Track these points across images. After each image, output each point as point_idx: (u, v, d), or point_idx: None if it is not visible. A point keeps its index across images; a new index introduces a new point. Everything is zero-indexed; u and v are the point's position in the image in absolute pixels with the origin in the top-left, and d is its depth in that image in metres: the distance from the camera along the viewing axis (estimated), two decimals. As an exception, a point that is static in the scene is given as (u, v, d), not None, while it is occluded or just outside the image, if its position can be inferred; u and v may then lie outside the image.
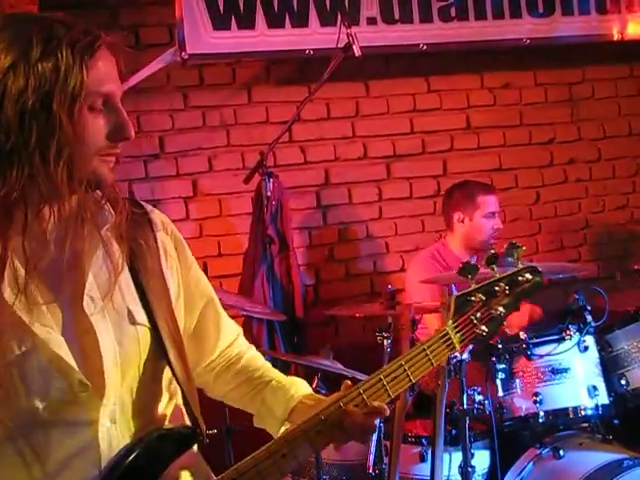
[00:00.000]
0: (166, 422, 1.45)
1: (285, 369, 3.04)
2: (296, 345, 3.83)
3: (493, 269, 1.64)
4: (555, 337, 3.17)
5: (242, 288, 3.83)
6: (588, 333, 3.20)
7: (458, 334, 1.58)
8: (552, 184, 4.74)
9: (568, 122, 4.77)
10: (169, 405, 1.47)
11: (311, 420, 1.44)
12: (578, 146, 4.79)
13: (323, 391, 3.08)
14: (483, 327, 1.60)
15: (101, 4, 3.91)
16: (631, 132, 4.87)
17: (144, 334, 1.40)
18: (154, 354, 1.41)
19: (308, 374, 3.12)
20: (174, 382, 1.45)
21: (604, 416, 3.20)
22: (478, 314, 1.61)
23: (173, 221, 1.57)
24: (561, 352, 3.14)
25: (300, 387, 1.61)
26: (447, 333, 1.57)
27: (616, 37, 4.64)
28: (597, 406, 3.13)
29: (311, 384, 3.09)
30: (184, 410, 1.46)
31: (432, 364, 1.54)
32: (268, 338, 3.72)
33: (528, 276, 1.65)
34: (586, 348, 3.19)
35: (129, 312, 1.39)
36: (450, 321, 1.58)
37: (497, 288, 1.63)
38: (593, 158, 4.82)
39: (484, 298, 1.61)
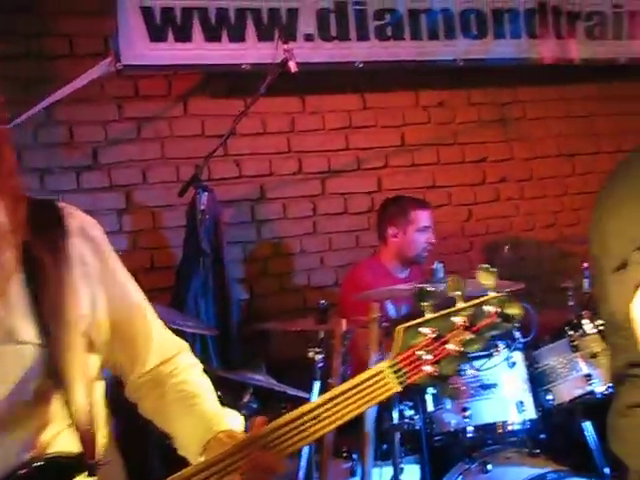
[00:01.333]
0: (51, 449, 1.31)
1: (217, 384, 3.02)
2: (229, 359, 3.80)
3: (459, 296, 1.38)
4: (484, 353, 3.21)
5: (175, 302, 3.79)
6: (516, 349, 3.25)
7: (398, 372, 1.35)
8: (484, 202, 4.83)
9: (500, 141, 4.87)
10: (60, 429, 1.33)
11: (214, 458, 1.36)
12: (510, 165, 4.89)
13: (255, 405, 3.07)
14: (432, 367, 1.35)
15: (35, 11, 3.85)
16: (560, 153, 4.99)
17: (30, 353, 1.28)
18: (43, 374, 1.29)
19: (240, 389, 3.10)
20: (72, 404, 1.32)
21: (531, 431, 3.26)
22: (426, 350, 1.35)
23: (105, 233, 1.49)
24: (490, 368, 3.19)
25: (221, 421, 1.50)
26: (380, 372, 1.35)
27: (546, 60, 4.77)
28: (525, 421, 3.19)
29: (243, 398, 3.10)
30: (80, 434, 1.32)
31: (360, 406, 1.34)
32: (201, 352, 3.69)
33: (498, 309, 1.36)
34: (514, 364, 3.24)
35: (11, 329, 1.28)
36: (386, 363, 1.36)
37: (456, 320, 1.36)
38: (524, 177, 4.93)
39: (438, 332, 1.36)
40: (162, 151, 4.15)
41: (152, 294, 1.63)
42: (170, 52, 3.94)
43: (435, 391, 3.12)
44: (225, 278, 3.86)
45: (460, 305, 1.37)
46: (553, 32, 4.81)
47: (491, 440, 3.28)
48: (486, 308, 1.35)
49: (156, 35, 3.90)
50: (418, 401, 3.13)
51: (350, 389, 1.35)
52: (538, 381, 3.37)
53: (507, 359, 3.21)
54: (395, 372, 1.35)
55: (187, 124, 4.19)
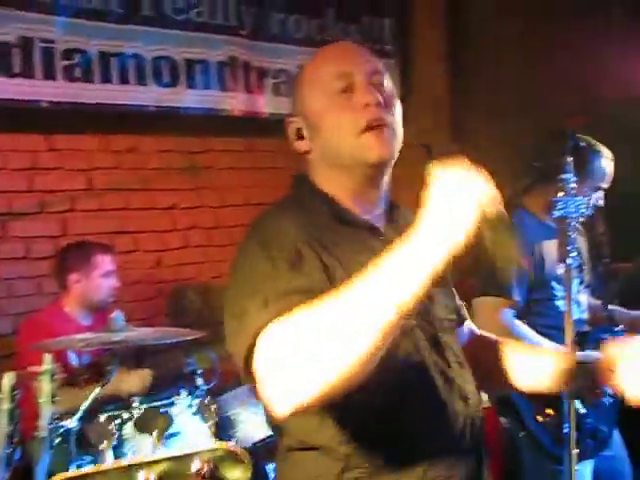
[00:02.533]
0: None
1: None
2: None
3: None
4: (166, 402, 3.20)
5: None
6: (198, 396, 3.28)
7: None
8: (173, 249, 4.84)
9: (190, 189, 4.93)
10: None
11: None
12: (199, 213, 4.96)
13: None
14: None
15: None
16: (248, 202, 5.15)
17: None
18: None
19: None
20: None
21: (213, 477, 3.28)
22: None
23: None
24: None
25: None
26: None
27: (235, 112, 4.95)
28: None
29: None
30: None
31: None
32: None
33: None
34: (197, 411, 3.26)
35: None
36: None
37: None
38: (213, 225, 5.02)
39: None
40: None
41: None
42: None
43: (115, 444, 3.03)
44: None
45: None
46: (243, 86, 5.00)
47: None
48: (193, 465, 1.23)
49: None
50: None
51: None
52: (222, 427, 3.42)
53: (190, 406, 3.22)
54: None
55: None
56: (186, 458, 1.28)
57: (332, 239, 1.61)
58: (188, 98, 4.73)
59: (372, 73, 1.70)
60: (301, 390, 1.31)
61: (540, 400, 2.96)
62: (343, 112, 1.65)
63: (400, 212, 1.81)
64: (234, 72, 4.95)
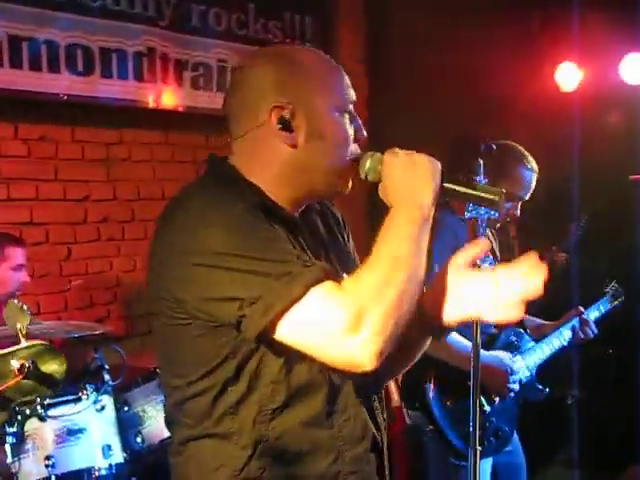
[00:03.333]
0: None
1: None
2: None
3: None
4: (71, 397, 3.12)
5: None
6: (105, 392, 3.21)
7: None
8: (85, 241, 4.72)
9: (104, 181, 4.81)
10: None
11: None
12: (112, 205, 4.85)
13: None
14: None
15: None
16: (164, 196, 5.07)
17: None
18: None
19: None
20: None
21: (118, 475, 3.22)
22: None
23: None
24: (77, 412, 3.10)
25: None
26: None
27: (152, 104, 4.86)
28: (111, 465, 3.14)
29: None
30: None
31: None
32: None
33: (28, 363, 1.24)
34: (103, 407, 3.19)
35: None
36: None
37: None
38: (127, 218, 4.92)
39: None
40: None
41: None
42: None
43: (15, 441, 2.94)
44: None
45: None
46: (161, 78, 4.91)
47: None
48: (13, 362, 1.23)
49: None
50: None
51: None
52: (129, 423, 3.36)
53: (95, 402, 3.15)
54: None
55: None
56: (5, 357, 1.35)
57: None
58: (103, 88, 4.61)
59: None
60: (393, 333, 1.44)
61: (449, 386, 3.01)
62: (348, 132, 1.68)
63: (313, 207, 1.82)
64: (151, 63, 4.86)
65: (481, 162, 2.34)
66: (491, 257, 3.37)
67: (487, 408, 3.13)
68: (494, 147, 2.49)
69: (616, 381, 4.98)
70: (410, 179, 1.60)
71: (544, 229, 5.01)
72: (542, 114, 5.21)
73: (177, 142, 5.14)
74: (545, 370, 3.41)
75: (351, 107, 1.70)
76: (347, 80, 1.74)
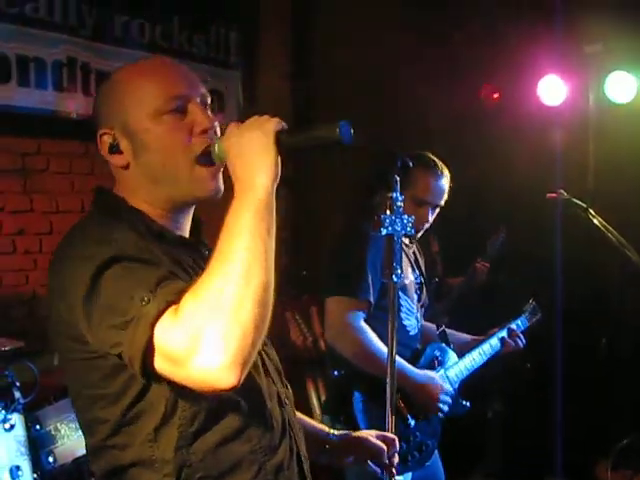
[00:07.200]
0: None
1: None
2: None
3: None
4: (-21, 416, 3.01)
5: None
6: (15, 410, 3.11)
7: None
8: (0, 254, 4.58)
9: (20, 192, 4.68)
10: None
11: None
12: (29, 217, 4.72)
13: None
14: None
15: None
16: (83, 208, 4.96)
17: None
18: None
19: None
20: None
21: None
22: None
23: None
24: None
25: None
26: None
27: (72, 115, 4.76)
28: (20, 486, 3.04)
29: None
30: None
31: None
32: None
33: None
34: (12, 427, 3.09)
35: None
36: None
37: None
38: (44, 231, 4.80)
39: None
40: None
41: None
42: None
43: None
44: None
45: None
46: (81, 88, 4.83)
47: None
48: None
49: None
50: None
51: None
52: (40, 443, 3.26)
53: (4, 421, 3.05)
54: None
55: None
56: None
57: (154, 255, 1.57)
58: (20, 96, 4.50)
59: (205, 96, 1.68)
60: (241, 342, 1.34)
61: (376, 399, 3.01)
62: (176, 133, 1.62)
63: (203, 226, 1.83)
64: (72, 73, 4.77)
65: (397, 178, 2.35)
66: (417, 272, 3.41)
67: (411, 422, 3.14)
68: (411, 164, 2.50)
69: (533, 394, 5.06)
70: (243, 159, 1.48)
71: (467, 242, 5.08)
72: (461, 128, 5.33)
73: (97, 153, 5.02)
74: (467, 384, 3.45)
75: (179, 103, 1.62)
76: (177, 74, 1.68)
